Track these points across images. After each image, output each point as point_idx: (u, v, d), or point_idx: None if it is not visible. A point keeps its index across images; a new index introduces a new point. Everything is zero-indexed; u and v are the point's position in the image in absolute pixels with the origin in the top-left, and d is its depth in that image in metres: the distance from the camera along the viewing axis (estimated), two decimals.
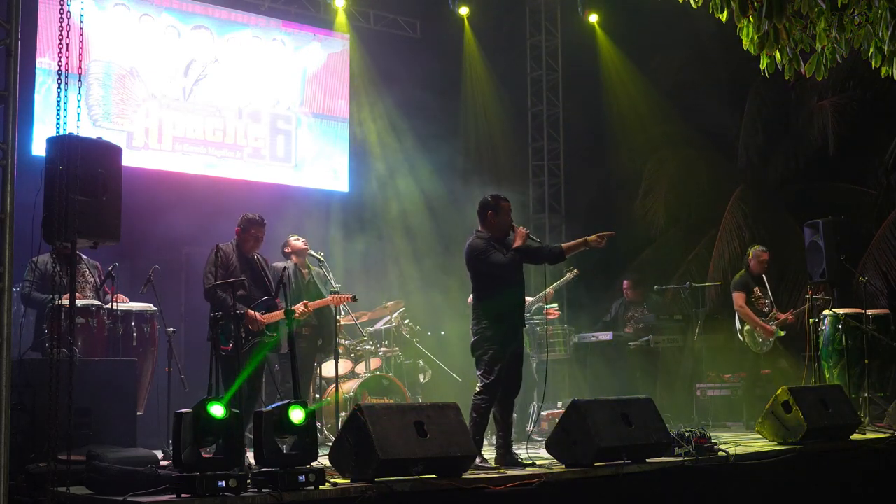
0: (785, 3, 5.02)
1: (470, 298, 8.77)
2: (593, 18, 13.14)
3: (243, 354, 6.69)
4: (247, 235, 7.06)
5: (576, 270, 9.57)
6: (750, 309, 9.38)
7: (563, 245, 6.76)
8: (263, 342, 6.87)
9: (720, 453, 6.34)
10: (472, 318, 6.52)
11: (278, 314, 6.89)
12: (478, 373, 6.40)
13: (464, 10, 12.44)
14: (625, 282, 10.52)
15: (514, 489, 5.35)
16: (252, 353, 6.77)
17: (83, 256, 7.08)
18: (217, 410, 4.74)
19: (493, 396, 6.32)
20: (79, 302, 6.03)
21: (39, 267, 6.35)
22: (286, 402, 5.06)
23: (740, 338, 9.51)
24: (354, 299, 7.95)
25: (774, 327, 9.32)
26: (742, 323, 9.49)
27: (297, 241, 8.36)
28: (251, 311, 6.80)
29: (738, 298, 9.46)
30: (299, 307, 7.28)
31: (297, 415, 4.97)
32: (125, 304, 6.99)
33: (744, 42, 5.40)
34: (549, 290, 9.25)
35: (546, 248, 6.83)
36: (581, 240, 6.61)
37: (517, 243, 6.50)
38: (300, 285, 8.22)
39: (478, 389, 6.32)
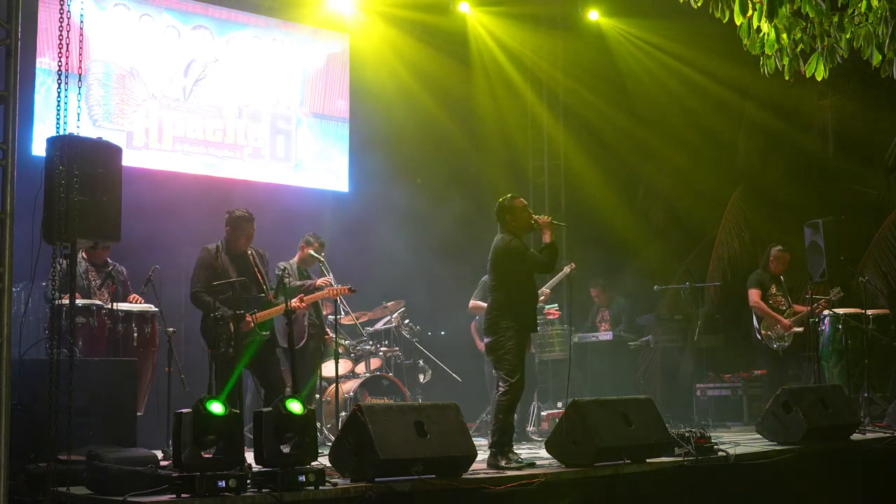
0: (785, 3, 5.04)
1: (472, 303, 8.85)
2: (594, 16, 13.12)
3: (236, 356, 6.67)
4: (238, 233, 6.94)
5: (573, 264, 9.56)
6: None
7: None
8: (254, 340, 6.79)
9: (720, 453, 6.34)
10: (489, 317, 6.43)
11: (273, 311, 6.85)
12: (499, 373, 6.35)
13: (465, 7, 12.40)
14: (592, 290, 10.79)
15: (514, 489, 5.35)
16: (244, 352, 6.74)
17: (114, 264, 7.15)
18: (216, 408, 4.75)
19: (517, 395, 6.31)
20: (79, 302, 6.03)
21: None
22: (281, 397, 5.08)
23: (758, 336, 9.38)
24: (352, 290, 7.91)
25: (790, 322, 9.23)
26: (759, 321, 9.37)
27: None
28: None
29: (753, 295, 9.36)
30: (294, 302, 7.16)
31: (295, 406, 4.99)
32: (125, 305, 7.01)
33: (744, 42, 5.41)
34: (546, 289, 9.27)
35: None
36: None
37: (545, 235, 6.48)
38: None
39: (503, 389, 6.26)
